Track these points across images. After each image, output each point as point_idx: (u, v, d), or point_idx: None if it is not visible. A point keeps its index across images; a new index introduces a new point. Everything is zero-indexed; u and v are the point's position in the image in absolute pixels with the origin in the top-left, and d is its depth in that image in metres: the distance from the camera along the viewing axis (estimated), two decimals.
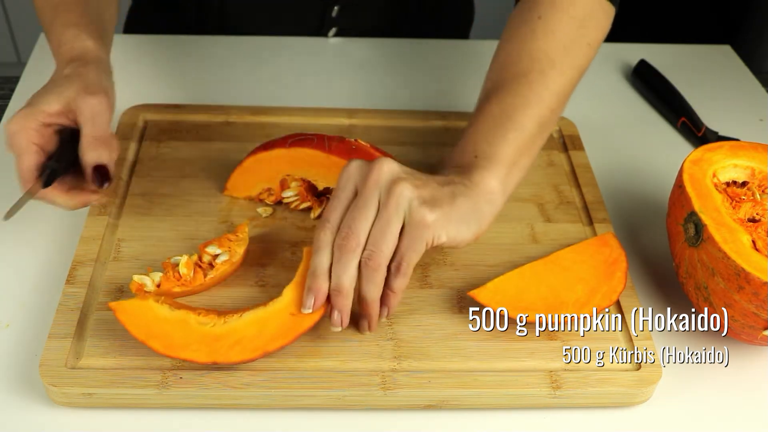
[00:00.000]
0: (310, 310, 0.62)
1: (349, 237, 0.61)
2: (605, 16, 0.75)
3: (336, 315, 0.62)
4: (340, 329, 0.63)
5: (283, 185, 0.77)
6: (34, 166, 0.67)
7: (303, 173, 0.76)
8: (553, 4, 0.72)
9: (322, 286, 0.62)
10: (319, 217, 0.77)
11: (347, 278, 0.61)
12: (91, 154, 0.67)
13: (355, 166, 0.64)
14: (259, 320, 0.63)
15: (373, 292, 0.62)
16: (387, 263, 0.62)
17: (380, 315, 0.65)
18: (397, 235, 0.62)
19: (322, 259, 0.62)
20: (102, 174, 0.68)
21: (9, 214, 0.67)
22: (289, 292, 0.64)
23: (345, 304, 0.62)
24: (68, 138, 0.69)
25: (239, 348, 0.61)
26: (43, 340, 0.65)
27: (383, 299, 0.64)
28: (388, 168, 0.63)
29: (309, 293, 0.62)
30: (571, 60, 0.72)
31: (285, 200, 0.78)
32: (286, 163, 0.75)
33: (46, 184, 0.67)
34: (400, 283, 0.63)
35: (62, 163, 0.68)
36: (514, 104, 0.70)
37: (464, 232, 0.64)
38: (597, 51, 0.75)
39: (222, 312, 0.64)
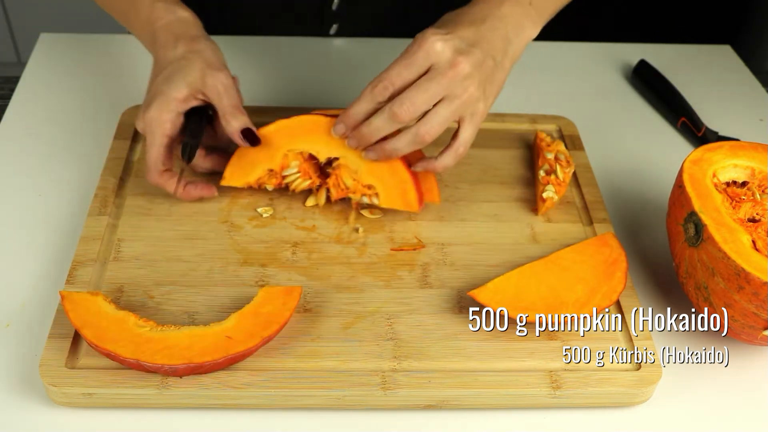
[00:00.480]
0: (339, 134, 0.72)
1: (406, 111, 0.67)
2: None
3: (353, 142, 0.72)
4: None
5: (284, 165, 0.77)
6: (161, 159, 0.73)
7: (303, 145, 0.76)
8: None
9: (355, 121, 0.70)
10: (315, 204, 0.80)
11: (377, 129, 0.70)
12: (235, 122, 0.73)
13: (439, 49, 0.67)
14: (194, 335, 0.63)
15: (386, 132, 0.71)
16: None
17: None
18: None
19: (362, 108, 0.70)
20: (251, 137, 0.74)
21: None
22: (234, 318, 0.65)
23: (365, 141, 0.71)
24: (191, 113, 0.74)
25: (166, 352, 0.61)
26: (43, 340, 0.65)
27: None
28: (468, 71, 0.67)
29: (339, 122, 0.71)
30: None
31: (287, 180, 0.78)
32: (285, 136, 0.76)
33: (189, 159, 0.74)
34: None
35: (197, 138, 0.74)
36: None
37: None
38: None
39: (162, 323, 0.65)
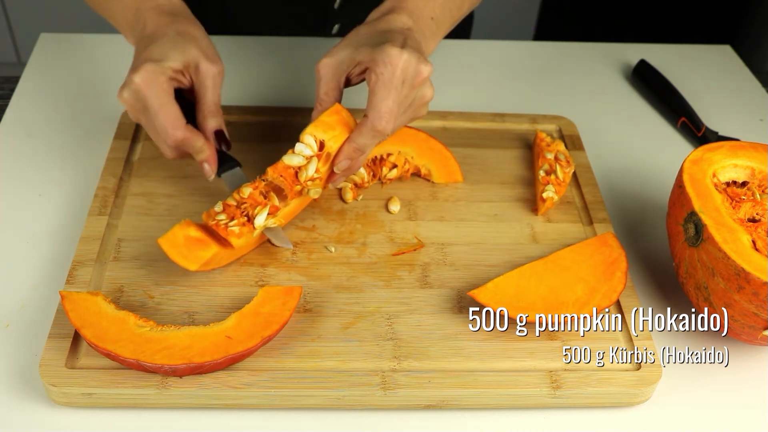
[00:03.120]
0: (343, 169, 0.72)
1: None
2: None
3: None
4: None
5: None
6: (180, 115, 0.69)
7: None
8: None
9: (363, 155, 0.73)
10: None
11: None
12: (212, 121, 0.72)
13: (406, 58, 0.69)
14: (194, 335, 0.63)
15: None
16: None
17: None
18: None
19: (369, 143, 0.71)
20: (222, 139, 0.73)
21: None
22: (234, 318, 0.65)
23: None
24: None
25: (166, 352, 0.61)
26: (43, 340, 0.65)
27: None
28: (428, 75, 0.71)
29: (345, 158, 0.72)
30: None
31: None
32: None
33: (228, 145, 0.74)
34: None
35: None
36: None
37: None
38: None
39: (162, 323, 0.64)
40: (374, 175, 0.83)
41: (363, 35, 0.73)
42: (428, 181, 0.84)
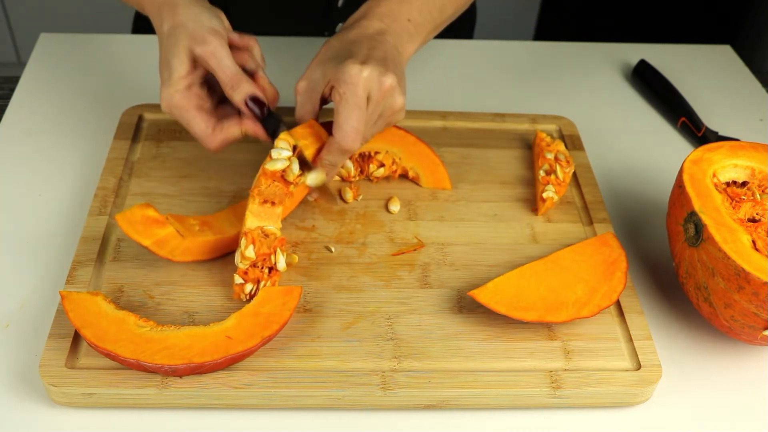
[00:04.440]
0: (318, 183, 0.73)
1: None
2: None
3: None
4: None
5: None
6: (204, 125, 0.72)
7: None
8: None
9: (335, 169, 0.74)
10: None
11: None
12: (235, 94, 0.71)
13: (366, 75, 0.69)
14: (194, 335, 0.63)
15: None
16: None
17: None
18: None
19: (338, 160, 0.72)
20: (257, 103, 0.72)
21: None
22: (234, 318, 0.65)
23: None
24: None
25: (166, 352, 0.61)
26: (43, 340, 0.65)
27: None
28: (393, 86, 0.71)
29: (320, 173, 0.73)
30: None
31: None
32: None
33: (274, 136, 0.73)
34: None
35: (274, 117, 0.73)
36: None
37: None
38: None
39: (162, 323, 0.64)
40: (362, 171, 0.83)
41: (333, 49, 0.74)
42: (416, 184, 0.83)
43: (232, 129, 0.72)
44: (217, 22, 0.72)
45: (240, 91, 0.71)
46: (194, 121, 0.72)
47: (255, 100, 0.71)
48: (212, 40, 0.70)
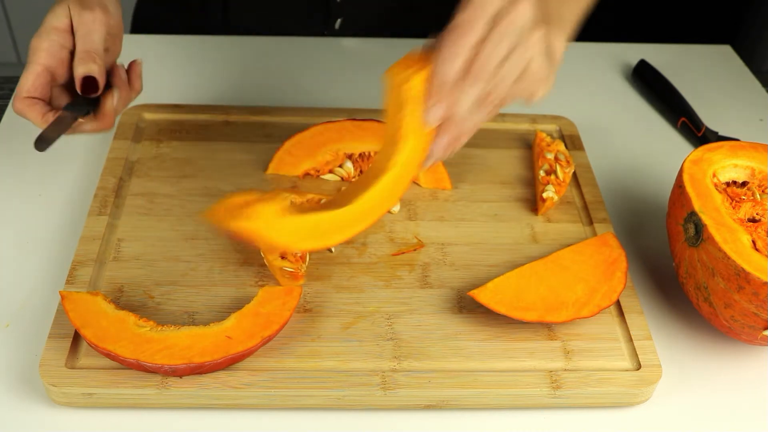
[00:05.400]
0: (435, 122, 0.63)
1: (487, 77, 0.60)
2: None
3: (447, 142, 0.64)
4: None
5: (326, 161, 0.83)
6: (27, 85, 0.69)
7: (349, 146, 0.83)
8: None
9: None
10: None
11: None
12: (81, 68, 0.70)
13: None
14: (194, 335, 0.63)
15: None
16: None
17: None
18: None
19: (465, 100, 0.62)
20: (89, 85, 0.70)
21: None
22: (234, 318, 0.65)
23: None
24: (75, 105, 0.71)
25: (166, 352, 0.61)
26: (43, 340, 0.65)
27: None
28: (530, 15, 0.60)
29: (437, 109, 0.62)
30: None
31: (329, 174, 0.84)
32: (329, 137, 0.83)
33: (39, 148, 0.68)
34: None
35: (54, 134, 0.69)
36: None
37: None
38: None
39: (162, 323, 0.65)
40: (361, 171, 0.83)
41: None
42: (416, 184, 0.83)
43: (36, 110, 0.70)
44: (114, 20, 0.73)
45: (83, 66, 0.70)
46: (29, 75, 0.69)
47: (89, 81, 0.70)
48: (97, 13, 0.71)
